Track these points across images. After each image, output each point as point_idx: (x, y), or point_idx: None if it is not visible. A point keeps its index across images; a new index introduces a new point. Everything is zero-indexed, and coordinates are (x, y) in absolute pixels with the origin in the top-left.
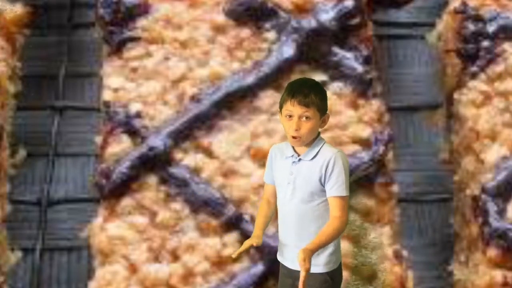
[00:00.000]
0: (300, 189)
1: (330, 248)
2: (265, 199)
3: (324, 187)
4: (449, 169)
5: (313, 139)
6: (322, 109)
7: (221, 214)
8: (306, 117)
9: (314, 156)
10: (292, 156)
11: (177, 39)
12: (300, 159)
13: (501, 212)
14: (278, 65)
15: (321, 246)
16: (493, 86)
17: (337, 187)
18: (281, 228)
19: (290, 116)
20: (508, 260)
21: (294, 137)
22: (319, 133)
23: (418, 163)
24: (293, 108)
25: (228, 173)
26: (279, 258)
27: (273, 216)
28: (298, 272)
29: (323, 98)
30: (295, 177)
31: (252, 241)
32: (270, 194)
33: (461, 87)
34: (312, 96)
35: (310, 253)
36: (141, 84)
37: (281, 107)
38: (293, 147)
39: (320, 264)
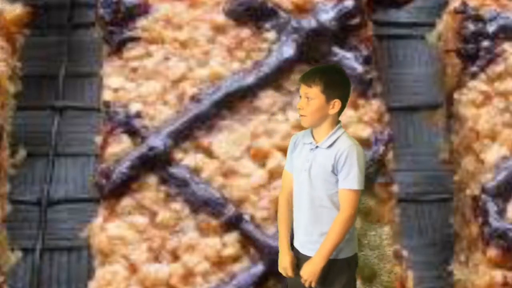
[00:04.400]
0: (314, 177)
1: (346, 235)
2: (284, 195)
3: (337, 177)
4: (449, 169)
5: (331, 127)
6: (327, 92)
7: (221, 214)
8: (308, 97)
9: (331, 145)
10: (311, 143)
11: (177, 39)
12: (317, 146)
13: (501, 212)
14: (278, 65)
15: (331, 249)
16: (493, 86)
17: (348, 179)
18: (295, 214)
19: (301, 97)
20: (508, 260)
21: (300, 116)
22: (339, 122)
23: (418, 163)
24: (301, 88)
25: (228, 173)
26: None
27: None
28: (306, 256)
29: (330, 82)
30: (310, 164)
31: (286, 260)
32: (290, 183)
33: (461, 87)
34: (316, 77)
35: (318, 269)
36: (141, 84)
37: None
38: (312, 135)
39: (337, 251)
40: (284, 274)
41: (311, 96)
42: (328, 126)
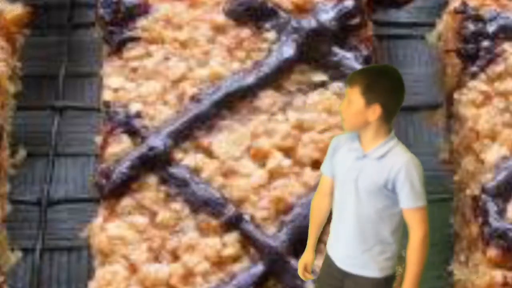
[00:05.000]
0: (362, 189)
1: (388, 253)
2: (318, 199)
3: (390, 192)
4: (449, 169)
5: (381, 135)
6: (367, 95)
7: (221, 214)
8: (349, 100)
9: (382, 156)
10: (357, 150)
11: (177, 39)
12: (365, 156)
13: (501, 212)
14: (278, 65)
15: (417, 279)
16: (493, 86)
17: (412, 197)
18: (336, 224)
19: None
20: (508, 260)
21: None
22: (391, 130)
23: None
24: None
25: (228, 173)
26: (328, 249)
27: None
28: (348, 273)
29: (374, 84)
30: (357, 175)
31: (307, 259)
32: (327, 187)
33: (461, 87)
34: (358, 77)
35: None
36: (141, 84)
37: None
38: (359, 141)
39: (376, 269)
40: (300, 271)
41: (351, 98)
42: (376, 134)
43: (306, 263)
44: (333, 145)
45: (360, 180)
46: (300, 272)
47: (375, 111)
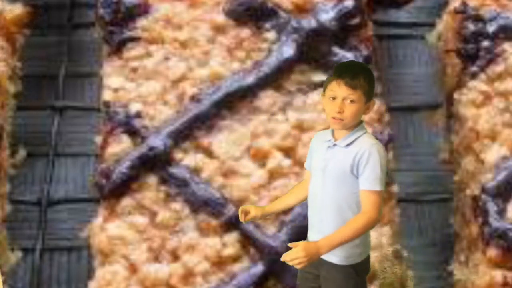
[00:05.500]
0: (330, 176)
1: (356, 240)
2: (297, 185)
3: (356, 178)
4: (449, 169)
5: (354, 126)
6: (368, 94)
7: (221, 214)
8: (351, 100)
9: (350, 144)
10: (329, 141)
11: (177, 39)
12: (335, 145)
13: (501, 212)
14: (278, 65)
15: (340, 243)
16: (493, 86)
17: (370, 180)
18: (309, 212)
19: (334, 98)
20: (508, 260)
21: (334, 118)
22: (361, 121)
23: (418, 163)
24: (339, 88)
25: (228, 173)
26: (308, 237)
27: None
28: (322, 261)
29: (371, 83)
30: (327, 163)
31: (254, 210)
32: (307, 179)
33: (461, 87)
34: (361, 78)
35: (318, 253)
36: (141, 84)
37: (325, 88)
38: (332, 133)
39: (342, 256)
40: (240, 212)
41: (355, 99)
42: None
43: (248, 211)
44: (313, 141)
45: (329, 167)
46: (240, 212)
47: (370, 107)
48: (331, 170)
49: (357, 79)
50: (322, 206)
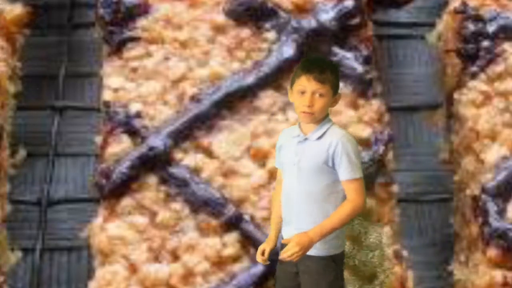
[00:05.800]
0: (304, 170)
1: (335, 232)
2: (277, 190)
3: (331, 169)
4: (449, 169)
5: (321, 119)
6: (335, 88)
7: (221, 214)
8: (320, 94)
9: (320, 137)
10: (298, 135)
11: (177, 39)
12: (306, 139)
13: (501, 212)
14: (278, 65)
15: (330, 231)
16: (493, 86)
17: (349, 170)
18: (284, 208)
19: (303, 92)
20: (508, 260)
21: (304, 113)
22: (327, 114)
23: (418, 163)
24: (308, 83)
25: (228, 173)
26: (282, 234)
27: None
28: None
29: (337, 76)
30: (300, 158)
31: (267, 245)
32: (281, 178)
33: (461, 87)
34: (328, 72)
35: (310, 243)
36: (141, 84)
37: (293, 82)
38: (299, 128)
39: (321, 248)
40: (258, 255)
41: (324, 93)
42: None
43: (264, 249)
44: (280, 138)
45: (303, 161)
46: (257, 255)
47: (336, 100)
48: (305, 164)
49: (325, 73)
50: (298, 200)
